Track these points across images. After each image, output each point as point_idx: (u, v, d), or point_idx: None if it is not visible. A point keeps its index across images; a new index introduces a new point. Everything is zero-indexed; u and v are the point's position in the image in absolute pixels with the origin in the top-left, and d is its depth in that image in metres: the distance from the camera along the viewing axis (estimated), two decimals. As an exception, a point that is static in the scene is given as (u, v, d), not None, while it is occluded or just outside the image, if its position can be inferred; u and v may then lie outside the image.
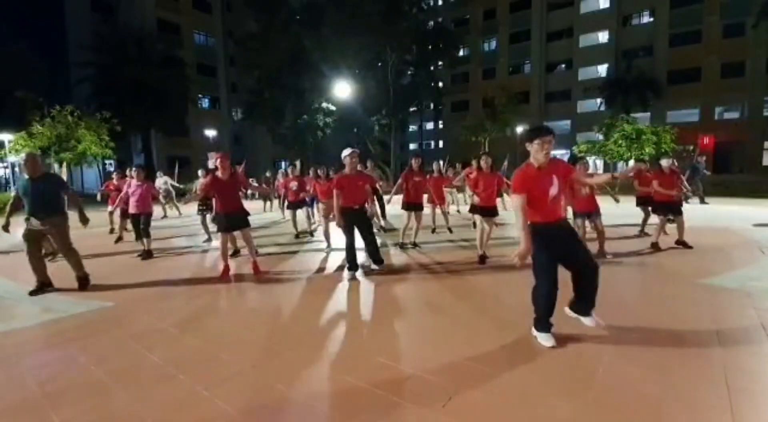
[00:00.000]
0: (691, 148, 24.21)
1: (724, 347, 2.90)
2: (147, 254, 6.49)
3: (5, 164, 24.78)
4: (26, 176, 4.60)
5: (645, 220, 7.60)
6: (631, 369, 2.60)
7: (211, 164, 13.96)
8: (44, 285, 4.65)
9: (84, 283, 4.76)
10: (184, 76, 28.99)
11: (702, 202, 12.64)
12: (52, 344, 3.14)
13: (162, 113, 26.83)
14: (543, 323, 3.01)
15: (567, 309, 3.22)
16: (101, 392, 2.44)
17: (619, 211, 7.87)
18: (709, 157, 27.68)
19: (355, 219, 5.07)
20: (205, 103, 37.01)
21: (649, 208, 7.31)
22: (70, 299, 4.29)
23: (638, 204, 7.66)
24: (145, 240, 6.56)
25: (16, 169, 26.52)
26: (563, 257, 2.97)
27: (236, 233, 5.64)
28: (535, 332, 3.08)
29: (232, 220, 5.14)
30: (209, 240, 7.65)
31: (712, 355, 2.78)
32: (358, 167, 5.75)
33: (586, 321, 3.15)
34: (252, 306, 4.12)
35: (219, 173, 5.07)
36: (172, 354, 2.95)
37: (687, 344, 2.96)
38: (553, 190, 2.92)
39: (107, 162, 25.04)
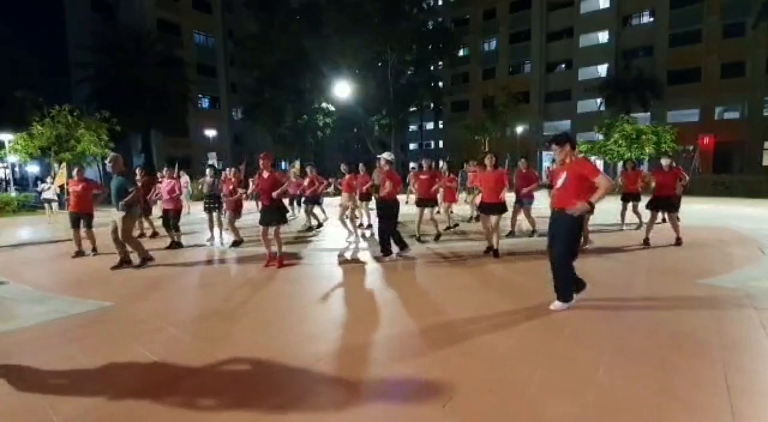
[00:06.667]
0: (691, 147, 24.21)
1: (724, 347, 2.90)
2: (177, 245, 7.22)
3: (5, 164, 24.73)
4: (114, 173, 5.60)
5: (623, 213, 8.41)
6: (631, 369, 2.60)
7: (211, 163, 13.99)
8: (124, 262, 5.66)
9: (142, 263, 5.71)
10: (184, 76, 28.93)
11: None
12: (52, 344, 3.14)
13: (162, 113, 26.73)
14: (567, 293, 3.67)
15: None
16: (101, 392, 2.44)
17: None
18: (709, 156, 27.77)
19: (385, 209, 5.97)
20: (205, 103, 36.95)
21: (629, 204, 8.31)
22: (70, 299, 4.29)
23: (622, 198, 8.50)
24: (175, 233, 7.30)
25: (16, 169, 26.53)
26: (550, 238, 3.73)
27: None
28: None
29: (270, 215, 5.53)
30: (212, 239, 7.68)
31: (712, 355, 2.78)
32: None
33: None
34: (253, 306, 4.11)
35: (264, 172, 5.55)
36: (172, 354, 2.95)
37: (687, 344, 2.96)
38: (559, 182, 3.67)
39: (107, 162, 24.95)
